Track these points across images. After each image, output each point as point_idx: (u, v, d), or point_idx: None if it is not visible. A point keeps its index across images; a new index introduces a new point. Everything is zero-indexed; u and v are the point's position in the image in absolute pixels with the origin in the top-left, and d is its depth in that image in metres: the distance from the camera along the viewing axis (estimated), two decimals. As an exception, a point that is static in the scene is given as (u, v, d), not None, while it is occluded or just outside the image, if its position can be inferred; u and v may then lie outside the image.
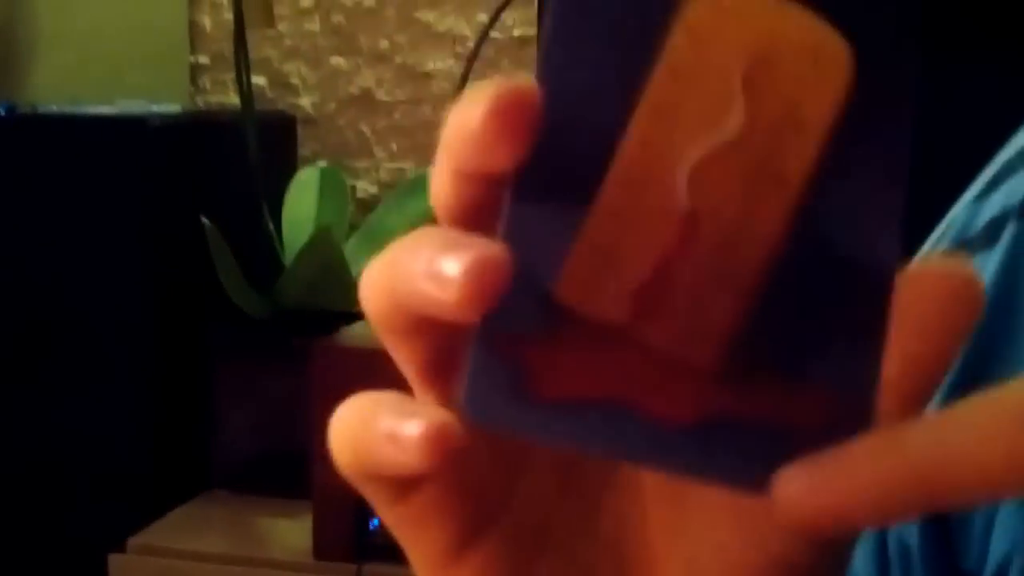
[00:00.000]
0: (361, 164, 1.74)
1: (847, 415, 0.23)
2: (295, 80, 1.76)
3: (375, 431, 0.23)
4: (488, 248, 0.22)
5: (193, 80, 1.77)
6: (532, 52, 1.45)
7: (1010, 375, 0.35)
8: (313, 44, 1.75)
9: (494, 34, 1.51)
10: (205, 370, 1.41)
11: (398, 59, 1.72)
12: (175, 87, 1.74)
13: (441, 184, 0.24)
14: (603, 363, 0.23)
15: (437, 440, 0.22)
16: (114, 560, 1.33)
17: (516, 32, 1.60)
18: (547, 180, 0.23)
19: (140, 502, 1.40)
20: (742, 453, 0.23)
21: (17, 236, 1.42)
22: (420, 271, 0.22)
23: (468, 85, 1.67)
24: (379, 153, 1.74)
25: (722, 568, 0.27)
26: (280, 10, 1.72)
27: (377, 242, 1.53)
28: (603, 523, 0.28)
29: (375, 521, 1.21)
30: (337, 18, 1.73)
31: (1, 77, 1.56)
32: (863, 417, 0.23)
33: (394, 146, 1.72)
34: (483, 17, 1.60)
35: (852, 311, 0.23)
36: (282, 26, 1.74)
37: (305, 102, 1.76)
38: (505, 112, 0.22)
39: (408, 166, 1.68)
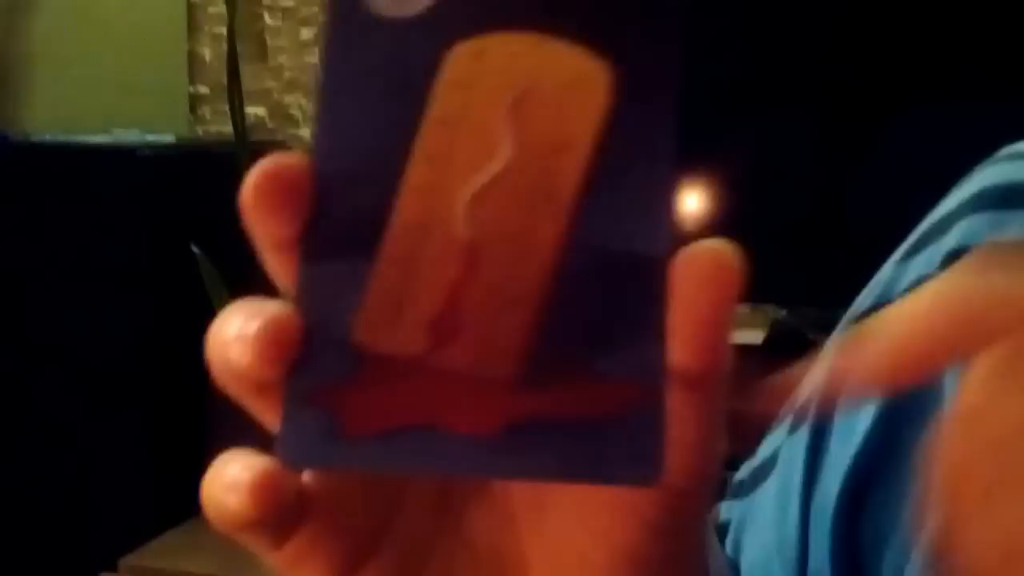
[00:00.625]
0: None
1: (641, 399, 0.25)
2: (295, 111, 1.78)
3: (218, 484, 0.25)
4: (277, 311, 0.24)
5: (192, 109, 1.81)
6: None
7: (927, 423, 0.36)
8: (313, 76, 1.79)
9: None
10: (199, 395, 1.43)
11: None
12: (175, 116, 1.78)
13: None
14: (409, 393, 0.25)
15: (262, 489, 0.25)
16: None
17: None
18: (333, 236, 0.25)
19: (132, 525, 1.43)
20: (552, 449, 0.25)
21: (13, 263, 1.45)
22: (227, 340, 0.24)
23: None
24: None
25: (580, 566, 0.29)
26: (281, 42, 1.76)
27: None
28: (478, 538, 0.30)
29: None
30: None
31: (5, 107, 1.59)
32: (655, 399, 0.25)
33: None
34: None
35: (632, 306, 0.25)
36: (283, 58, 1.77)
37: (305, 133, 1.78)
38: (264, 187, 0.24)
39: None
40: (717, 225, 1.37)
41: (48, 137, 1.53)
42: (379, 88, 0.26)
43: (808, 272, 1.39)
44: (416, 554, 0.30)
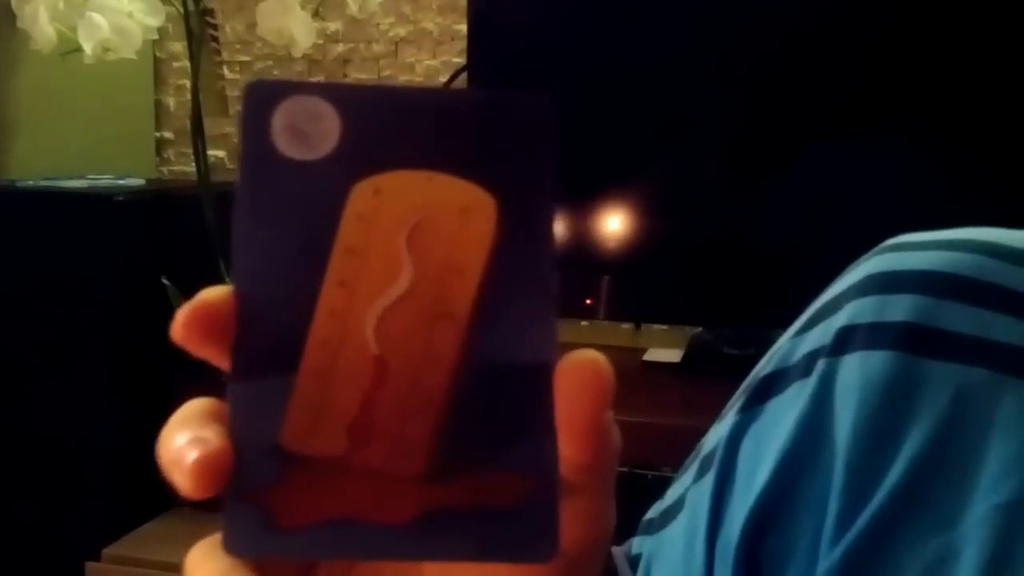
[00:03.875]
0: None
1: (536, 489, 0.27)
2: None
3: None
4: (211, 446, 0.26)
5: (158, 152, 1.92)
6: None
7: (819, 488, 0.38)
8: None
9: None
10: (170, 401, 1.48)
11: None
12: (142, 159, 1.88)
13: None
14: (332, 490, 0.27)
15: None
16: (90, 569, 1.39)
17: None
18: (258, 356, 0.27)
19: (117, 514, 1.47)
20: (460, 535, 0.27)
21: (1, 293, 1.50)
22: (170, 460, 0.27)
23: None
24: None
25: None
26: (238, 93, 1.86)
27: None
28: None
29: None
30: None
31: None
32: (549, 488, 0.27)
33: None
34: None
35: (524, 408, 0.27)
36: (240, 106, 1.87)
37: None
38: (189, 322, 0.27)
39: None
40: (640, 249, 1.40)
41: (31, 183, 1.57)
42: (292, 222, 0.27)
43: (724, 292, 1.39)
44: None
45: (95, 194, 1.55)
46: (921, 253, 0.40)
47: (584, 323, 1.61)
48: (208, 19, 1.60)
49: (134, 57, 1.42)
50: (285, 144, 0.28)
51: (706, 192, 1.41)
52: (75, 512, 1.50)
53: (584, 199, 1.43)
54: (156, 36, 1.46)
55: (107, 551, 1.41)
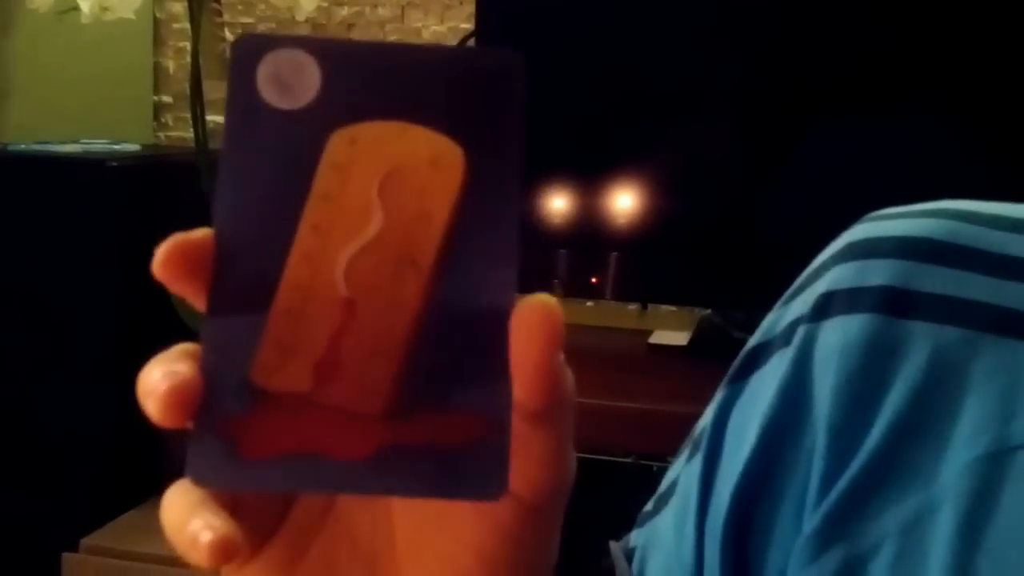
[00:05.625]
0: None
1: (488, 429, 0.28)
2: None
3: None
4: (182, 373, 0.28)
5: (156, 117, 1.88)
6: None
7: (802, 453, 0.40)
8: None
9: None
10: None
11: None
12: (139, 124, 1.85)
13: None
14: (296, 424, 0.29)
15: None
16: (68, 559, 1.39)
17: None
18: (233, 294, 0.29)
19: (94, 505, 1.46)
20: (414, 471, 0.28)
21: None
22: (145, 392, 0.28)
23: None
24: None
25: (443, 566, 0.32)
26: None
27: None
28: (359, 534, 0.33)
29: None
30: None
31: None
32: (500, 429, 0.28)
33: None
34: None
35: (481, 351, 0.29)
36: None
37: None
38: (168, 258, 0.29)
39: None
40: (649, 228, 1.37)
41: (23, 147, 1.55)
42: (271, 167, 0.29)
43: (734, 274, 1.37)
44: (303, 540, 0.33)
45: (88, 159, 1.52)
46: (898, 221, 0.41)
47: (589, 303, 1.58)
48: None
49: (132, 17, 1.39)
50: (269, 94, 0.29)
51: (719, 171, 1.39)
52: (53, 502, 1.49)
53: (593, 175, 1.41)
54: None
55: (85, 541, 1.41)
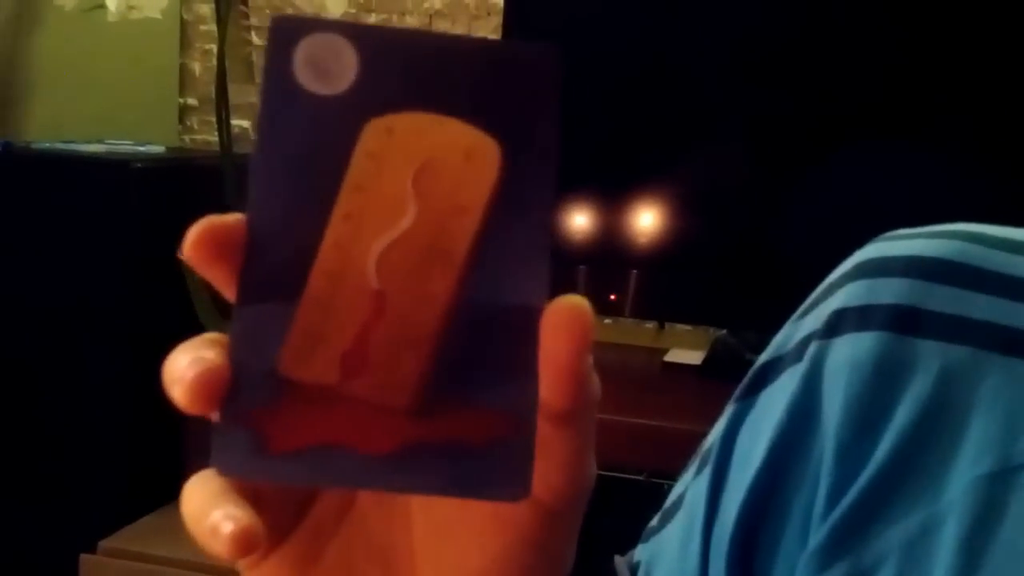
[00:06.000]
0: None
1: (513, 429, 0.28)
2: None
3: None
4: (210, 360, 0.28)
5: (181, 119, 1.88)
6: None
7: (810, 469, 0.40)
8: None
9: None
10: None
11: None
12: (165, 126, 1.85)
13: None
14: (322, 417, 0.28)
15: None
16: (85, 561, 1.40)
17: None
18: (264, 282, 0.28)
19: (112, 508, 1.47)
20: (438, 469, 0.28)
21: (10, 261, 1.51)
22: (172, 379, 0.28)
23: None
24: None
25: (459, 567, 0.32)
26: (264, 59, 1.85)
27: None
28: (376, 532, 0.33)
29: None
30: None
31: (7, 116, 1.63)
32: (525, 429, 0.28)
33: None
34: None
35: (510, 349, 0.28)
36: None
37: None
38: (200, 241, 0.28)
39: None
40: (668, 247, 1.38)
41: (47, 145, 1.56)
42: (306, 155, 0.29)
43: (751, 295, 1.37)
44: (320, 539, 0.33)
45: (112, 160, 1.53)
46: (909, 241, 0.42)
47: (607, 320, 1.57)
48: None
49: (159, 17, 1.39)
50: (305, 78, 0.28)
51: (737, 193, 1.40)
52: (72, 504, 1.50)
53: (614, 193, 1.42)
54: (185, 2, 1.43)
55: (103, 544, 1.42)
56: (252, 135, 1.84)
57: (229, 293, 0.29)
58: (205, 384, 0.28)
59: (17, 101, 1.63)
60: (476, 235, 0.29)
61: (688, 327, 1.59)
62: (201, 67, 1.87)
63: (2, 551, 1.53)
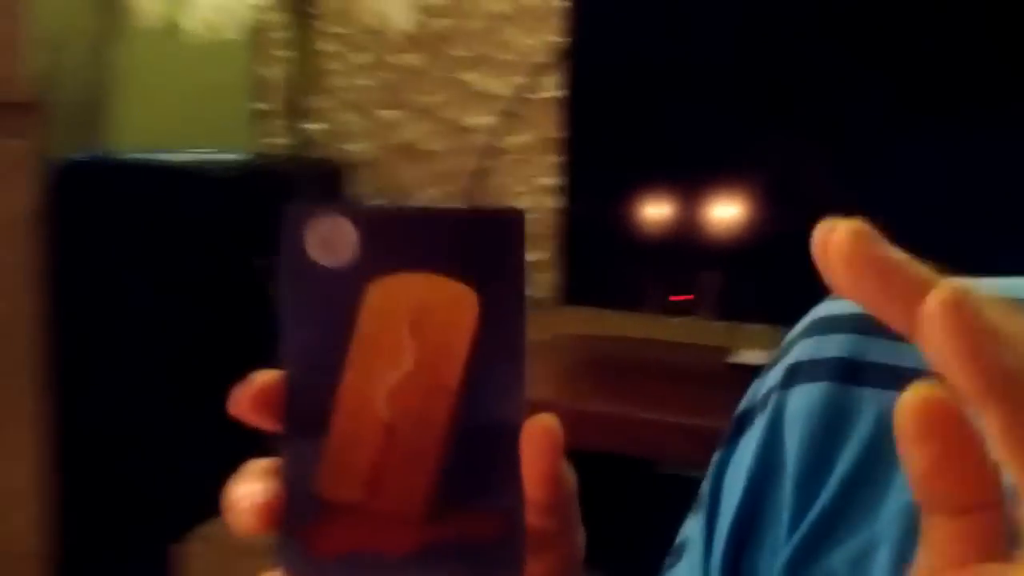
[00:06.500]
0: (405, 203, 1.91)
1: (508, 525, 0.35)
2: (349, 128, 1.92)
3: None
4: (262, 495, 0.35)
5: (257, 124, 1.96)
6: (559, 111, 1.55)
7: (778, 505, 0.46)
8: (366, 98, 1.91)
9: (528, 94, 1.64)
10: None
11: (440, 114, 1.87)
12: (242, 131, 1.93)
13: None
14: (353, 528, 0.35)
15: (258, 514, 0.35)
16: (179, 549, 1.46)
17: (546, 94, 1.70)
18: (300, 423, 0.35)
19: (202, 498, 1.53)
20: (449, 564, 0.35)
21: (105, 264, 1.60)
22: (227, 505, 0.35)
23: (503, 139, 1.81)
24: (421, 195, 1.89)
25: None
26: (337, 66, 1.90)
27: None
28: None
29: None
30: (388, 76, 1.89)
31: (95, 128, 1.72)
32: (517, 524, 0.35)
33: (434, 190, 1.87)
34: (519, 79, 1.75)
35: (498, 462, 0.35)
36: (339, 80, 1.90)
37: (356, 149, 1.92)
38: (247, 401, 0.35)
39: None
40: (735, 248, 1.40)
41: (133, 155, 1.65)
42: (322, 315, 0.35)
43: (820, 296, 1.42)
44: None
45: (192, 167, 1.60)
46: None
47: (677, 319, 1.58)
48: None
49: (236, 37, 1.45)
50: (316, 253, 0.35)
51: (814, 190, 1.40)
52: (165, 491, 1.56)
53: (688, 193, 1.42)
54: (259, 15, 1.48)
55: (193, 533, 1.46)
56: (325, 140, 1.90)
57: (271, 428, 0.35)
58: (257, 514, 0.35)
59: (108, 114, 1.73)
60: (464, 370, 0.35)
61: (759, 327, 1.57)
62: (275, 73, 1.92)
63: (95, 542, 1.60)
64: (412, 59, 1.86)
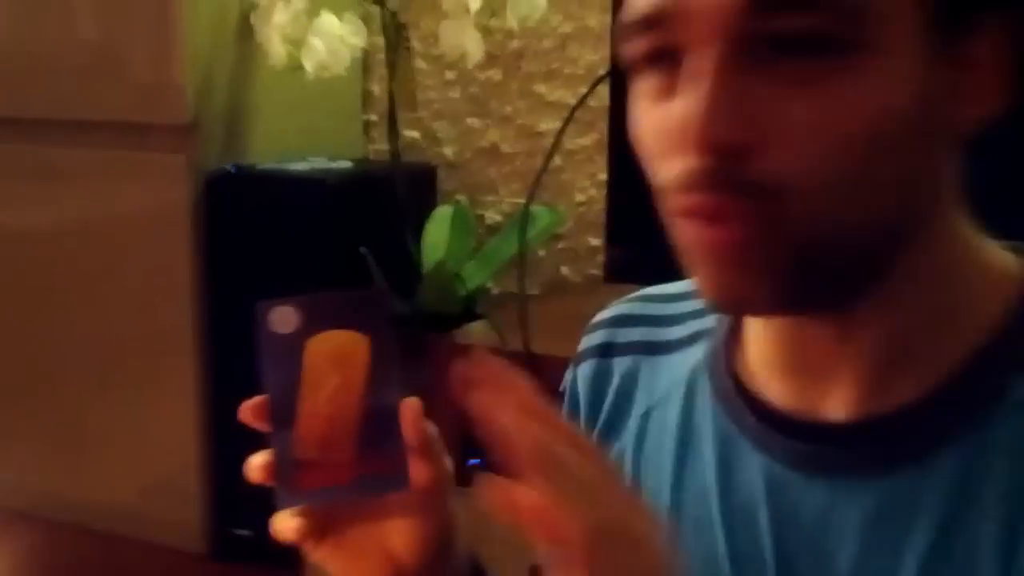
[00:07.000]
0: (489, 199, 2.19)
1: (399, 463, 0.57)
2: (440, 135, 2.20)
3: (277, 528, 0.60)
4: (262, 461, 0.58)
5: (366, 132, 2.26)
6: (617, 116, 1.78)
7: (580, 420, 0.70)
8: (455, 108, 2.19)
9: (591, 103, 1.84)
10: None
11: (518, 121, 2.14)
12: (354, 138, 2.24)
13: None
14: (317, 473, 0.57)
15: (295, 532, 0.59)
16: None
17: (607, 102, 1.88)
18: (279, 423, 0.58)
19: None
20: (372, 484, 0.58)
21: (244, 253, 1.89)
22: (248, 471, 0.58)
23: (569, 142, 2.06)
24: (502, 191, 2.17)
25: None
26: (430, 82, 2.19)
27: (490, 263, 1.94)
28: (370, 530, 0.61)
29: (471, 461, 1.67)
30: (473, 89, 2.17)
31: (237, 144, 2.01)
32: (403, 463, 0.57)
33: (513, 186, 2.14)
34: (582, 89, 1.92)
35: (389, 427, 0.58)
36: (431, 94, 2.19)
37: (448, 152, 2.20)
38: (247, 411, 0.58)
39: (522, 202, 1.94)
40: None
41: (269, 166, 1.95)
42: (284, 363, 0.58)
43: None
44: (340, 531, 0.61)
45: (312, 174, 1.91)
46: (615, 306, 0.72)
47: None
48: (400, 26, 1.91)
49: (344, 73, 1.76)
50: (276, 326, 0.59)
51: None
52: None
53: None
54: (361, 54, 1.75)
55: None
56: (422, 144, 2.20)
57: (263, 428, 0.59)
58: (267, 469, 0.59)
59: (246, 132, 2.03)
60: (365, 380, 0.58)
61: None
62: (380, 88, 2.20)
63: (241, 522, 1.86)
64: (493, 74, 2.13)
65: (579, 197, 2.11)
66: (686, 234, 0.53)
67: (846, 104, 0.48)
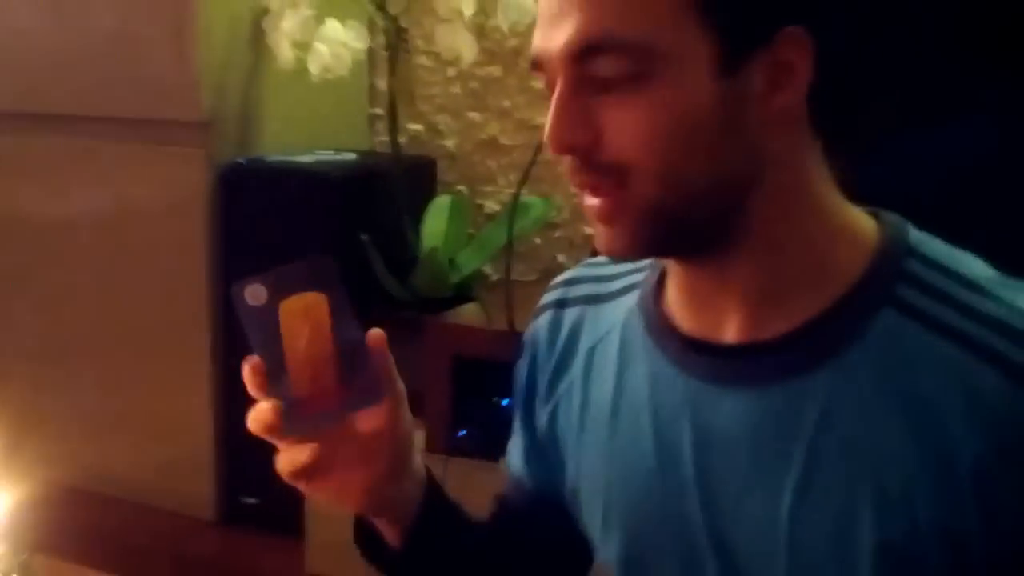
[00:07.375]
0: (488, 189, 2.27)
1: (374, 387, 0.70)
2: (442, 128, 2.29)
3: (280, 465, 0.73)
4: (265, 409, 0.69)
5: (372, 126, 2.36)
6: None
7: (537, 370, 0.86)
8: (456, 103, 2.27)
9: None
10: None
11: (516, 115, 2.22)
12: (359, 131, 2.34)
13: None
14: (309, 404, 0.69)
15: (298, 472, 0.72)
16: None
17: None
18: (273, 372, 0.69)
19: None
20: (353, 402, 0.70)
21: (256, 239, 1.99)
22: (251, 418, 0.70)
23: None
24: (501, 182, 2.26)
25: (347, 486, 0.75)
26: (433, 77, 2.27)
27: (484, 249, 2.05)
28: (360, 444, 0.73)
29: (461, 432, 1.78)
30: (473, 84, 2.25)
31: (250, 138, 2.11)
32: (378, 388, 0.70)
33: (511, 177, 2.21)
34: None
35: (361, 360, 0.70)
36: (433, 89, 2.27)
37: (449, 144, 2.29)
38: (247, 371, 0.69)
39: (521, 192, 1.96)
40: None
41: (279, 158, 2.05)
42: (266, 327, 0.67)
43: None
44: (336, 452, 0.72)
45: (319, 166, 2.00)
46: (568, 273, 0.87)
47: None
48: (401, 29, 2.02)
49: (346, 75, 1.88)
50: (252, 299, 0.68)
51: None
52: None
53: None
54: (364, 56, 1.86)
55: None
56: (424, 137, 2.27)
57: (263, 382, 0.70)
58: (263, 422, 0.69)
59: (258, 127, 2.12)
60: (331, 324, 0.68)
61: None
62: (384, 83, 2.26)
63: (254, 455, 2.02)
64: (492, 70, 2.22)
65: (574, 188, 2.19)
66: (584, 204, 0.71)
67: (653, 109, 0.66)
